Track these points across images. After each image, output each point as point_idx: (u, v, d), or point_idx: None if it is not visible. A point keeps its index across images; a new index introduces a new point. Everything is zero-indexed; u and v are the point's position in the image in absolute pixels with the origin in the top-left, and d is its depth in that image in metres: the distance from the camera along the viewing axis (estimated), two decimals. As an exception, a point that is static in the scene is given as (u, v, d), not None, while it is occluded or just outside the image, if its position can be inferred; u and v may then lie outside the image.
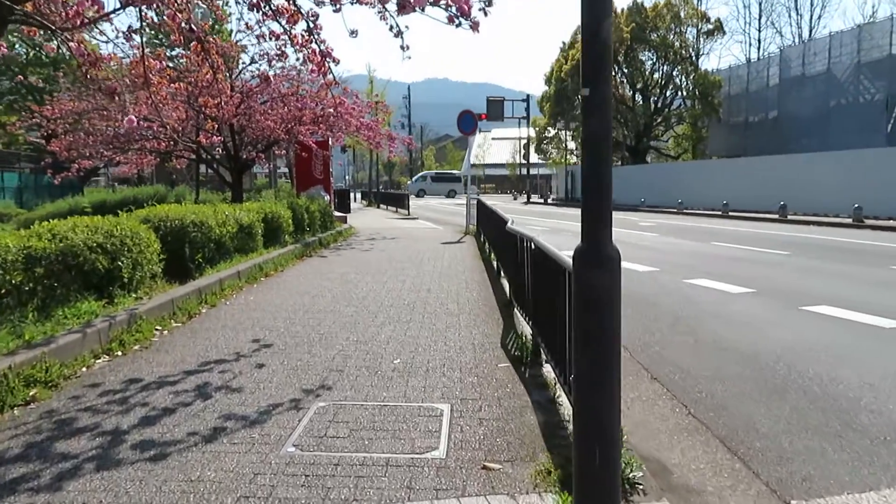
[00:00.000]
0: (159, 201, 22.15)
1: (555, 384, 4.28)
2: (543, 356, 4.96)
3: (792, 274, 10.09)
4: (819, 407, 4.25)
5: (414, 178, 67.79)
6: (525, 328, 6.04)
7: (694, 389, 4.68)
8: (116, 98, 7.17)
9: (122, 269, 6.31)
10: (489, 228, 11.34)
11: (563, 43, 51.04)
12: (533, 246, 4.97)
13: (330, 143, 18.00)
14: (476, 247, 13.90)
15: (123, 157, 17.51)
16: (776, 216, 24.41)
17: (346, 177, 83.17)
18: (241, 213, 9.89)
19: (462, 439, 3.45)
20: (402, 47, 6.10)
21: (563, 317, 3.56)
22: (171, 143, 16.02)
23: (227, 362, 4.92)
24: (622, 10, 45.64)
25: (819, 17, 61.77)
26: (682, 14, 44.61)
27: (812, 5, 58.36)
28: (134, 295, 6.45)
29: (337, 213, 21.26)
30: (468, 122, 17.30)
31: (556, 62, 49.95)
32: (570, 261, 3.68)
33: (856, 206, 21.03)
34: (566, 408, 3.90)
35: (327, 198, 16.94)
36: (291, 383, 4.40)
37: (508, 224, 6.84)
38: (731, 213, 26.99)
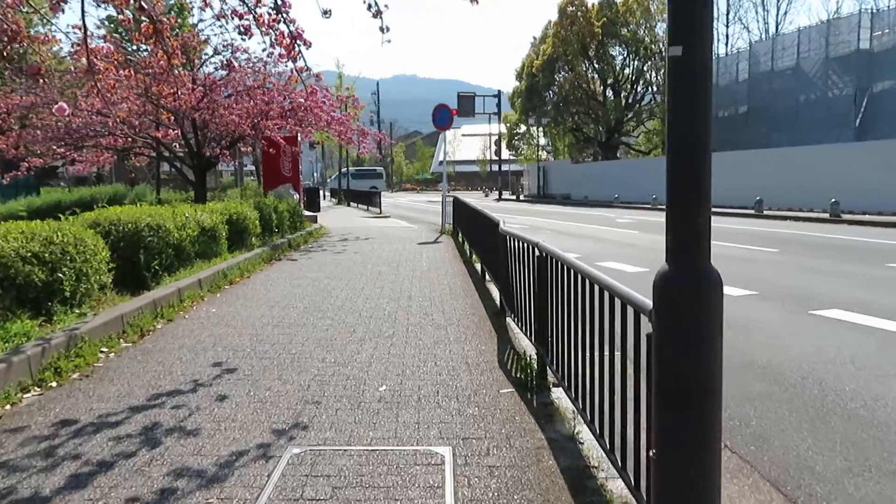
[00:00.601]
0: (118, 202, 21.11)
1: (573, 417, 3.65)
2: (551, 378, 4.34)
3: (789, 273, 9.65)
4: (873, 436, 3.69)
5: (332, 177, 66.52)
6: (523, 342, 5.42)
7: (723, 414, 4.09)
8: (42, 81, 6.33)
9: (64, 281, 5.52)
10: (472, 229, 10.71)
11: (534, 38, 50.75)
12: (540, 252, 4.34)
13: (299, 138, 17.18)
14: (455, 247, 13.26)
15: (78, 154, 16.49)
16: (752, 211, 24.25)
17: (315, 174, 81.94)
18: (202, 214, 9.09)
19: (472, 498, 2.80)
20: (381, 29, 5.43)
21: (578, 336, 2.93)
22: (129, 139, 15.08)
23: (182, 394, 4.19)
24: (593, 4, 45.38)
25: (785, 13, 62.35)
26: (652, 8, 44.49)
27: (778, 1, 58.62)
28: (77, 311, 5.65)
29: (307, 213, 20.43)
30: (444, 117, 16.63)
31: (527, 57, 49.57)
32: (597, 273, 3.09)
33: (833, 200, 20.89)
34: (589, 447, 3.28)
35: (297, 196, 16.13)
36: (259, 421, 3.69)
37: (501, 226, 6.19)
38: (706, 209, 26.73)
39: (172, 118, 14.11)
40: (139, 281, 7.26)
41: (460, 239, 14.23)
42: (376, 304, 7.22)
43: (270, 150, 15.53)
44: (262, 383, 4.38)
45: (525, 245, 4.90)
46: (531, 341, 4.86)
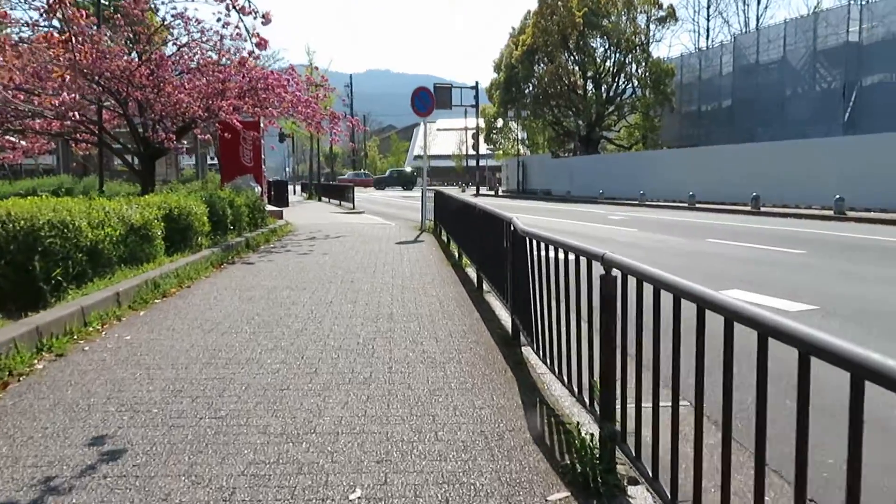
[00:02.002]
0: (65, 193, 19.04)
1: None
2: (625, 470, 2.72)
3: (836, 280, 8.17)
4: None
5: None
6: (555, 390, 3.80)
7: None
8: None
9: None
10: (461, 227, 9.05)
11: (513, 28, 49.13)
12: (609, 269, 2.72)
13: (262, 124, 15.34)
14: (438, 247, 11.59)
15: (6, 141, 14.50)
16: (748, 208, 22.98)
17: (287, 168, 79.61)
18: (131, 209, 7.30)
19: None
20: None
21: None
22: (64, 123, 13.13)
23: (16, 511, 2.48)
24: (574, -6, 43.90)
25: (766, 8, 61.79)
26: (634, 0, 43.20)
27: (759, -5, 57.98)
28: None
29: (272, 208, 18.57)
30: (424, 101, 14.91)
31: (505, 48, 47.99)
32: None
33: (837, 197, 19.64)
34: None
35: (258, 189, 14.32)
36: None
37: (518, 227, 4.53)
38: (698, 205, 25.48)
39: (110, 97, 12.23)
40: (34, 295, 5.48)
41: (444, 237, 12.59)
42: (348, 325, 5.53)
43: (226, 134, 13.69)
44: (158, 484, 2.67)
45: (578, 256, 3.26)
46: (583, 403, 3.21)
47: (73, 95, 11.79)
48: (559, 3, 43.53)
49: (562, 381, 3.69)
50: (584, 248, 3.04)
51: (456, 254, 10.00)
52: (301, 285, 7.56)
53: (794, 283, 7.92)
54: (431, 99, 15.11)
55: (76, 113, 12.04)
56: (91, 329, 5.27)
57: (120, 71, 11.76)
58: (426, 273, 8.53)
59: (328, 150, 65.35)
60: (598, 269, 2.95)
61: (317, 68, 19.48)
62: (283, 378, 4.08)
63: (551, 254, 3.77)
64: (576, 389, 3.31)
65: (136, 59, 12.96)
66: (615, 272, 2.78)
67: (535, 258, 4.15)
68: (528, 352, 4.70)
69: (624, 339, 2.78)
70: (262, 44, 5.74)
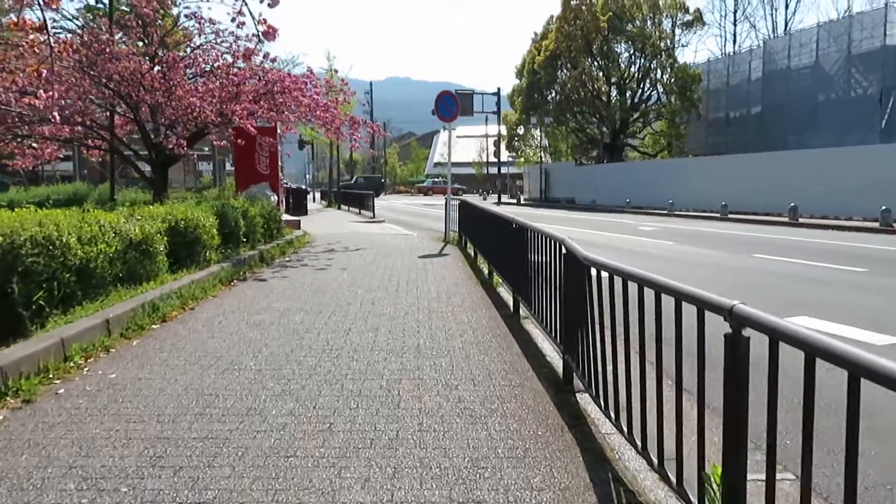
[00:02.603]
0: (78, 202, 18.55)
1: None
2: None
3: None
4: None
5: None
6: (630, 460, 3.00)
7: None
8: None
9: None
10: (493, 243, 8.23)
11: (535, 34, 48.36)
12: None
13: (278, 130, 14.68)
14: (465, 262, 10.80)
15: (15, 146, 13.97)
16: (785, 219, 21.93)
17: (307, 175, 79.36)
18: (129, 222, 6.60)
19: None
20: None
21: None
22: (73, 128, 12.57)
23: None
24: (598, -1, 43.05)
25: (794, 12, 60.40)
26: (660, 3, 42.21)
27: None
28: None
29: (289, 217, 17.91)
30: (448, 106, 14.14)
31: (527, 54, 47.21)
32: None
33: (883, 208, 18.56)
34: None
35: (274, 198, 13.64)
36: None
37: (576, 251, 3.72)
38: (731, 216, 24.44)
39: (121, 102, 11.63)
40: (13, 323, 4.78)
41: (470, 250, 11.81)
42: (368, 361, 4.75)
43: (240, 141, 13.02)
44: None
45: (680, 301, 2.46)
46: (685, 499, 2.39)
47: (55, 96, 11.20)
48: (583, 7, 42.70)
49: (636, 448, 2.89)
50: (700, 296, 2.24)
51: (486, 270, 9.21)
52: (316, 308, 6.80)
53: (867, 309, 7.02)
54: (456, 103, 14.35)
55: (83, 117, 11.46)
56: (71, 364, 4.54)
57: (129, 73, 11.16)
58: (454, 293, 7.74)
59: (348, 157, 64.95)
60: (712, 321, 2.16)
61: (336, 71, 18.82)
62: (290, 438, 3.31)
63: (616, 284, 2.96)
64: (673, 479, 2.49)
65: (148, 62, 12.38)
66: (748, 332, 1.97)
67: (598, 292, 3.36)
68: (584, 400, 3.90)
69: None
70: (269, 32, 5.03)
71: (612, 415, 3.32)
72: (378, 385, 4.20)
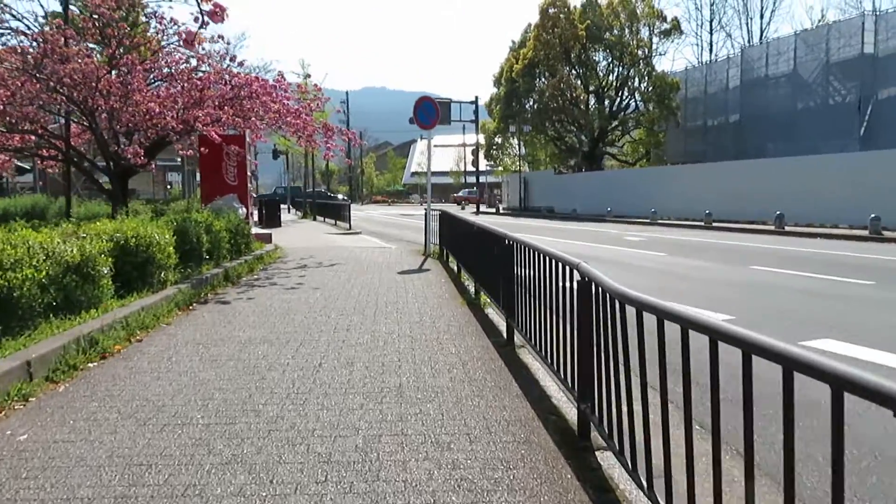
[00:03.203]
0: (37, 216, 17.47)
1: None
2: None
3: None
4: None
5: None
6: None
7: None
8: None
9: None
10: (480, 259, 7.47)
11: (513, 42, 48.03)
12: None
13: (247, 138, 13.82)
14: (448, 279, 10.04)
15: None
16: (771, 227, 21.52)
17: (283, 185, 78.22)
18: (66, 243, 5.74)
19: None
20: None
21: None
22: (22, 137, 11.63)
23: None
24: (576, 7, 42.80)
25: (769, 22, 60.72)
26: (638, 11, 42.05)
27: (762, 9, 57.02)
28: None
29: (259, 230, 17.01)
30: (427, 112, 13.40)
31: (505, 62, 46.81)
32: None
33: (873, 216, 18.18)
34: None
35: (243, 211, 12.76)
36: None
37: (604, 283, 2.97)
38: (715, 224, 24.02)
39: (75, 108, 10.73)
40: None
41: (452, 264, 11.08)
42: (341, 410, 3.96)
43: (203, 149, 12.15)
44: None
45: (782, 370, 1.71)
46: None
47: (36, 109, 10.29)
48: (561, 15, 42.41)
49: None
50: (798, 356, 1.49)
51: (471, 289, 8.46)
52: (283, 337, 5.99)
53: (891, 328, 6.40)
54: (436, 110, 13.62)
55: (31, 125, 10.55)
56: (-27, 423, 3.69)
57: (82, 76, 10.27)
58: (438, 316, 6.98)
59: (324, 166, 64.00)
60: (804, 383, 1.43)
61: (309, 76, 18.01)
62: (237, 533, 2.51)
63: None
64: None
65: (105, 64, 11.50)
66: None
67: (625, 330, 2.65)
68: (607, 461, 3.16)
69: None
70: (216, 12, 4.24)
71: (644, 481, 2.60)
72: (353, 445, 3.41)
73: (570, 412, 3.90)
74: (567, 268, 3.72)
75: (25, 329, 4.98)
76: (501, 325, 6.40)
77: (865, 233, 18.13)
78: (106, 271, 6.18)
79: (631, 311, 2.67)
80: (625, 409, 2.82)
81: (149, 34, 11.73)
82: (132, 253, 6.93)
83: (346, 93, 67.07)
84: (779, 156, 29.50)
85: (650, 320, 2.46)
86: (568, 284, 3.82)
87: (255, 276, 10.34)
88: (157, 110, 10.10)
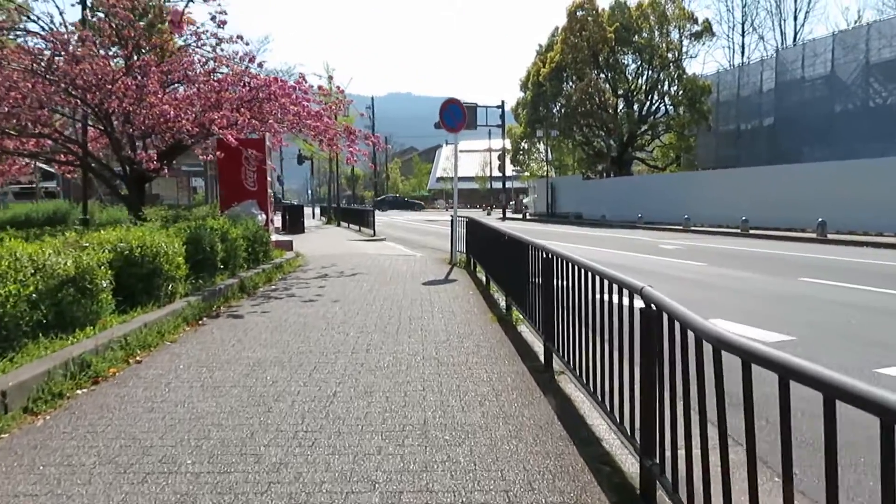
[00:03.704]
0: (59, 221, 17.23)
1: None
2: None
3: None
4: None
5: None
6: None
7: None
8: None
9: None
10: (512, 273, 6.84)
11: (540, 46, 47.27)
12: None
13: (267, 143, 13.37)
14: (476, 290, 9.43)
15: (-22, 162, 12.73)
16: (811, 235, 20.54)
17: (309, 191, 78.31)
18: (59, 255, 5.25)
19: None
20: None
21: None
22: (39, 141, 11.30)
23: None
24: (604, 9, 41.99)
25: (803, 24, 59.14)
26: (668, 13, 41.09)
27: (796, 10, 55.50)
28: None
29: (280, 238, 16.58)
30: (454, 115, 12.82)
31: (532, 66, 46.06)
32: None
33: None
34: None
35: (262, 218, 12.28)
36: None
37: (690, 319, 2.36)
38: (752, 231, 23.06)
39: (86, 109, 10.36)
40: None
41: (480, 274, 10.48)
42: (355, 457, 3.37)
43: (219, 153, 11.71)
44: None
45: None
46: None
47: (49, 112, 9.92)
48: (589, 18, 41.62)
49: None
50: None
51: (503, 303, 7.83)
52: (297, 358, 5.43)
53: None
54: (463, 113, 13.02)
55: (43, 128, 10.18)
56: (-72, 468, 3.17)
57: (97, 78, 9.89)
58: (466, 335, 6.37)
59: (350, 171, 63.85)
60: None
61: (331, 78, 17.58)
62: None
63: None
64: None
65: (122, 66, 11.13)
66: None
67: (697, 368, 2.03)
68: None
69: None
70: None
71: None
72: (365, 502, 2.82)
73: (627, 461, 3.27)
74: (625, 290, 3.09)
75: (8, 351, 4.48)
76: (536, 345, 5.78)
77: (916, 241, 17.11)
78: (105, 284, 5.68)
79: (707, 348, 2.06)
80: (700, 465, 2.22)
81: (165, 36, 11.32)
82: (137, 264, 6.44)
83: (372, 98, 66.98)
84: (815, 160, 28.40)
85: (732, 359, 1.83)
86: (615, 299, 3.21)
87: (273, 287, 9.83)
88: (172, 113, 9.66)
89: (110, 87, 9.96)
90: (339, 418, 3.94)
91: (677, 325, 2.43)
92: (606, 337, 3.48)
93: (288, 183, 75.87)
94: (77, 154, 11.75)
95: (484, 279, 9.94)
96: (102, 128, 10.93)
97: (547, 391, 4.50)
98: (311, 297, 8.82)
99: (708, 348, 2.12)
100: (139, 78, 10.38)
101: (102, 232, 6.77)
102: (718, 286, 10.11)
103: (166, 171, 10.94)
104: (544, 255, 4.93)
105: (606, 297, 3.53)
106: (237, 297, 8.61)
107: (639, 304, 2.93)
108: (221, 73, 11.23)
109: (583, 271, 3.89)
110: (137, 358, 5.36)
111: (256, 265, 10.78)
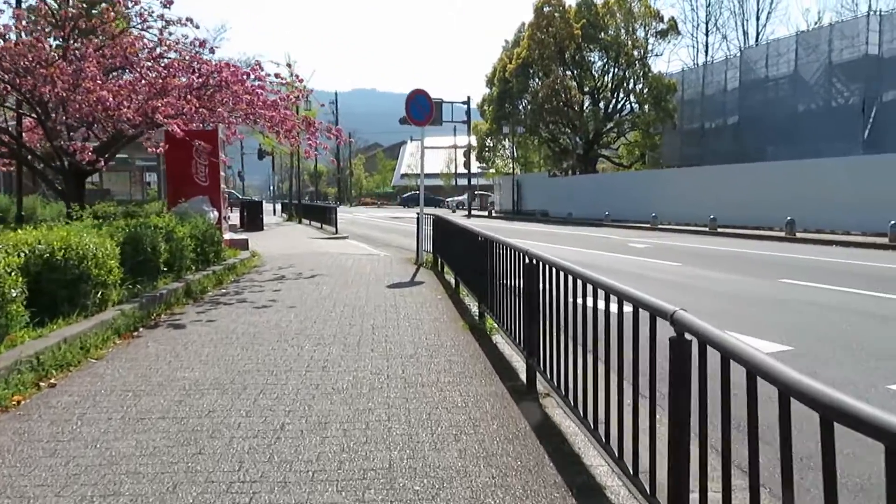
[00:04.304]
0: (-2, 218, 16.02)
1: None
2: None
3: None
4: None
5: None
6: None
7: None
8: None
9: None
10: (487, 277, 6.18)
11: (506, 41, 46.88)
12: None
13: (220, 135, 12.49)
14: (444, 293, 8.77)
15: None
16: (780, 233, 20.42)
17: (271, 187, 76.58)
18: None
19: None
20: None
21: None
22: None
23: None
24: (571, 6, 41.69)
25: (766, 24, 59.90)
26: (635, 10, 40.99)
27: (758, 11, 56.12)
28: None
29: (234, 236, 15.67)
30: (421, 107, 12.12)
31: (499, 62, 45.60)
32: None
33: (892, 222, 17.05)
34: None
35: (213, 215, 11.42)
36: None
37: (746, 353, 1.76)
38: (720, 230, 22.88)
39: (18, 95, 9.40)
40: None
41: (448, 276, 9.84)
42: (304, 515, 2.69)
43: (164, 145, 10.82)
44: None
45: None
46: None
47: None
48: (556, 14, 41.28)
49: None
50: None
51: (474, 309, 7.19)
52: (241, 379, 4.70)
53: None
54: (430, 105, 12.34)
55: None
56: None
57: (28, 61, 8.94)
58: (437, 347, 5.70)
59: (312, 167, 62.61)
60: None
61: (290, 66, 16.72)
62: None
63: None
64: None
65: (59, 49, 10.17)
66: None
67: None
68: None
69: None
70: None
71: None
72: None
73: (639, 519, 2.66)
74: (650, 314, 2.46)
75: None
76: (515, 359, 5.17)
77: (885, 240, 17.02)
78: (15, 294, 4.86)
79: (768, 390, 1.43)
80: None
81: (106, 16, 10.38)
82: (59, 268, 5.60)
83: (336, 93, 65.75)
84: (779, 159, 28.48)
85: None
86: (614, 308, 2.59)
87: (223, 291, 9.02)
88: (112, 100, 8.76)
89: (44, 70, 9.04)
90: (286, 462, 3.24)
91: (733, 363, 1.82)
92: (614, 364, 2.87)
93: (249, 179, 74.06)
94: (10, 146, 10.74)
95: (453, 281, 9.29)
96: (35, 115, 9.95)
97: (532, 420, 3.86)
98: (265, 302, 8.05)
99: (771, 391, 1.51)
100: (76, 62, 9.46)
101: (20, 232, 5.92)
102: (697, 288, 9.64)
103: (103, 164, 10.00)
104: (530, 262, 4.30)
105: (602, 304, 2.92)
106: (181, 304, 7.79)
107: (664, 328, 2.31)
108: (169, 58, 10.35)
109: (579, 281, 3.26)
110: (51, 381, 4.56)
111: (206, 267, 9.94)
